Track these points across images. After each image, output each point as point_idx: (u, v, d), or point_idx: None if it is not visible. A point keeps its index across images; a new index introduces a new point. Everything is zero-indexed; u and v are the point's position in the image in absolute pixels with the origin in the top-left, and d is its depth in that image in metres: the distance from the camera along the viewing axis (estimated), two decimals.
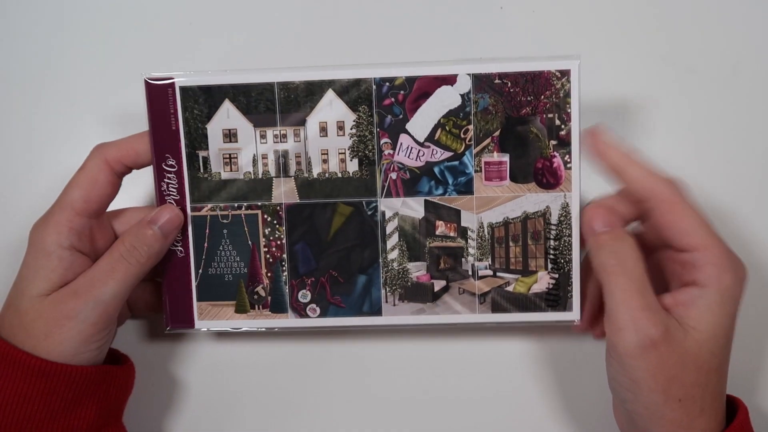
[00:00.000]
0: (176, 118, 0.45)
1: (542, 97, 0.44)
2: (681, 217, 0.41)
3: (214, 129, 0.45)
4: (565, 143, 0.44)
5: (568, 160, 0.44)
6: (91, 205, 0.44)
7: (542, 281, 0.45)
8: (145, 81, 0.45)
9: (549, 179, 0.44)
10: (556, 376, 0.53)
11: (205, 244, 0.46)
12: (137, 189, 0.52)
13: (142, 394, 0.52)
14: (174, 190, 0.46)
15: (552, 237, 0.45)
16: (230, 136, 0.45)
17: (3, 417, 0.41)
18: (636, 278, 0.40)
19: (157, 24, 0.55)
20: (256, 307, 0.47)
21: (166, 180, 0.46)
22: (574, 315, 0.45)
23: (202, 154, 0.46)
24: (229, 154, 0.46)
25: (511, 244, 0.45)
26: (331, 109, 0.45)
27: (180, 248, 0.46)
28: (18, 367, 0.42)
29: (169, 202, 0.46)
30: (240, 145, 0.46)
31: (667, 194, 0.41)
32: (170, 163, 0.46)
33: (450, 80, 0.44)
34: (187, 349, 0.54)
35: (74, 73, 0.55)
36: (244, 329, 0.47)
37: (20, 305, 0.43)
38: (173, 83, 0.45)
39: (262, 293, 0.47)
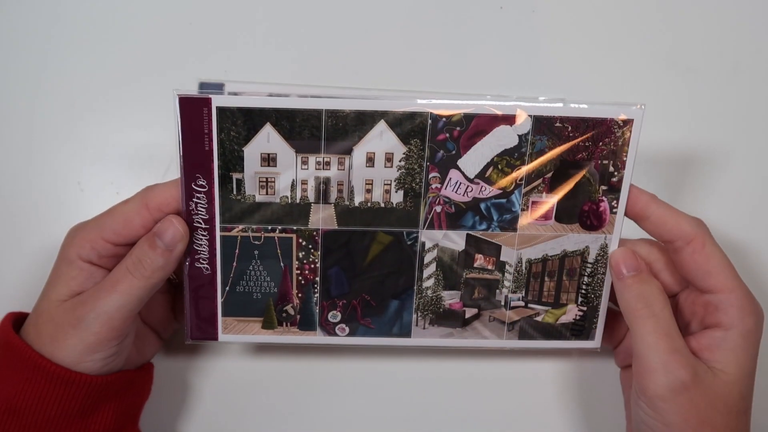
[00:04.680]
0: (210, 138, 0.41)
1: (601, 144, 0.42)
2: (706, 258, 0.42)
3: (252, 152, 0.41)
4: (614, 189, 0.44)
5: (615, 205, 0.44)
6: (120, 239, 0.42)
7: (570, 313, 0.47)
8: (179, 98, 0.40)
9: (593, 221, 0.44)
10: (580, 397, 0.53)
11: (234, 264, 0.44)
12: None
13: (160, 399, 0.51)
14: (203, 210, 0.42)
15: (587, 274, 0.46)
16: (269, 160, 0.42)
17: (20, 419, 0.41)
18: (664, 321, 0.41)
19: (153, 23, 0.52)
20: (284, 324, 0.46)
21: (195, 200, 0.42)
22: (594, 343, 0.47)
23: (236, 176, 0.42)
24: (266, 178, 0.42)
25: (546, 278, 0.46)
26: (381, 140, 0.42)
27: (206, 266, 0.44)
28: (38, 371, 0.41)
29: (197, 222, 0.43)
30: (278, 170, 0.42)
31: (693, 234, 0.42)
32: (200, 183, 0.42)
33: (510, 120, 0.42)
34: (205, 358, 0.53)
35: (72, 73, 0.52)
36: (268, 342, 0.47)
37: (40, 306, 0.43)
38: (209, 102, 0.40)
39: (291, 312, 0.46)
